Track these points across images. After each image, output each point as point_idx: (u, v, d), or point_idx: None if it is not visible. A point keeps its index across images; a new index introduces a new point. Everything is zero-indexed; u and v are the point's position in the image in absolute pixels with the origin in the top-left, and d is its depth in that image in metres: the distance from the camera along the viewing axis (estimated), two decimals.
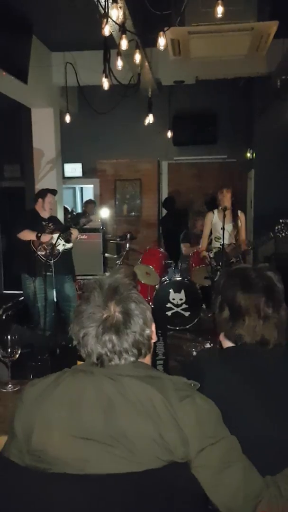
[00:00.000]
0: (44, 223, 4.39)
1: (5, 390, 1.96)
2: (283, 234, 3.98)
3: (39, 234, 4.23)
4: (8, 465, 1.08)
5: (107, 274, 1.22)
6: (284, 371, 1.31)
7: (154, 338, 1.22)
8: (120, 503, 0.98)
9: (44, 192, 4.47)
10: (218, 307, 1.41)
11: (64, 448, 1.04)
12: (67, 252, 4.49)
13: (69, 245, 4.45)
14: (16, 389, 1.95)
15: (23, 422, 1.10)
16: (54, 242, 4.17)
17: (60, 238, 4.28)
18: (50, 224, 4.41)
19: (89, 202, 7.33)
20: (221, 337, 1.43)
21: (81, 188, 9.45)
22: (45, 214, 4.43)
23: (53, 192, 4.52)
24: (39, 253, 4.24)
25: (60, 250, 4.35)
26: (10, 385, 1.98)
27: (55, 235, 4.25)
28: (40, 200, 4.42)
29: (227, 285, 1.41)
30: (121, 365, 1.13)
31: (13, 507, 1.02)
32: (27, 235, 4.28)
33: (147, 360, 1.21)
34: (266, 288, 1.35)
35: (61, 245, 4.36)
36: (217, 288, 1.46)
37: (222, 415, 1.12)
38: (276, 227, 3.99)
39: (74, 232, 4.49)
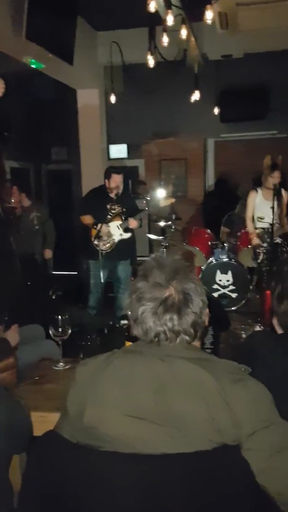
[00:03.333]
0: (109, 205, 4.33)
1: (57, 368, 2.03)
2: None
3: (95, 226, 4.24)
4: (61, 441, 1.11)
5: (157, 253, 1.22)
6: None
7: (207, 322, 1.21)
8: (170, 483, 0.99)
9: (108, 173, 4.37)
10: (277, 298, 1.37)
11: (116, 426, 1.05)
12: (125, 239, 4.43)
13: (126, 235, 4.38)
14: (67, 367, 2.01)
15: (75, 400, 1.13)
16: (110, 231, 4.20)
17: (118, 227, 4.29)
18: (115, 206, 4.35)
19: (140, 183, 7.17)
20: (275, 323, 1.40)
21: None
22: (112, 194, 4.31)
23: (118, 171, 4.38)
24: (94, 242, 4.28)
25: (116, 241, 4.34)
26: (61, 363, 2.04)
27: (114, 224, 4.24)
28: (106, 180, 4.36)
29: None
30: (172, 346, 1.12)
31: (65, 482, 1.05)
32: (87, 220, 4.34)
33: (198, 344, 1.20)
34: None
35: (118, 235, 4.34)
36: (278, 276, 1.41)
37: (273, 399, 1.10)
38: None
39: (131, 223, 4.33)
